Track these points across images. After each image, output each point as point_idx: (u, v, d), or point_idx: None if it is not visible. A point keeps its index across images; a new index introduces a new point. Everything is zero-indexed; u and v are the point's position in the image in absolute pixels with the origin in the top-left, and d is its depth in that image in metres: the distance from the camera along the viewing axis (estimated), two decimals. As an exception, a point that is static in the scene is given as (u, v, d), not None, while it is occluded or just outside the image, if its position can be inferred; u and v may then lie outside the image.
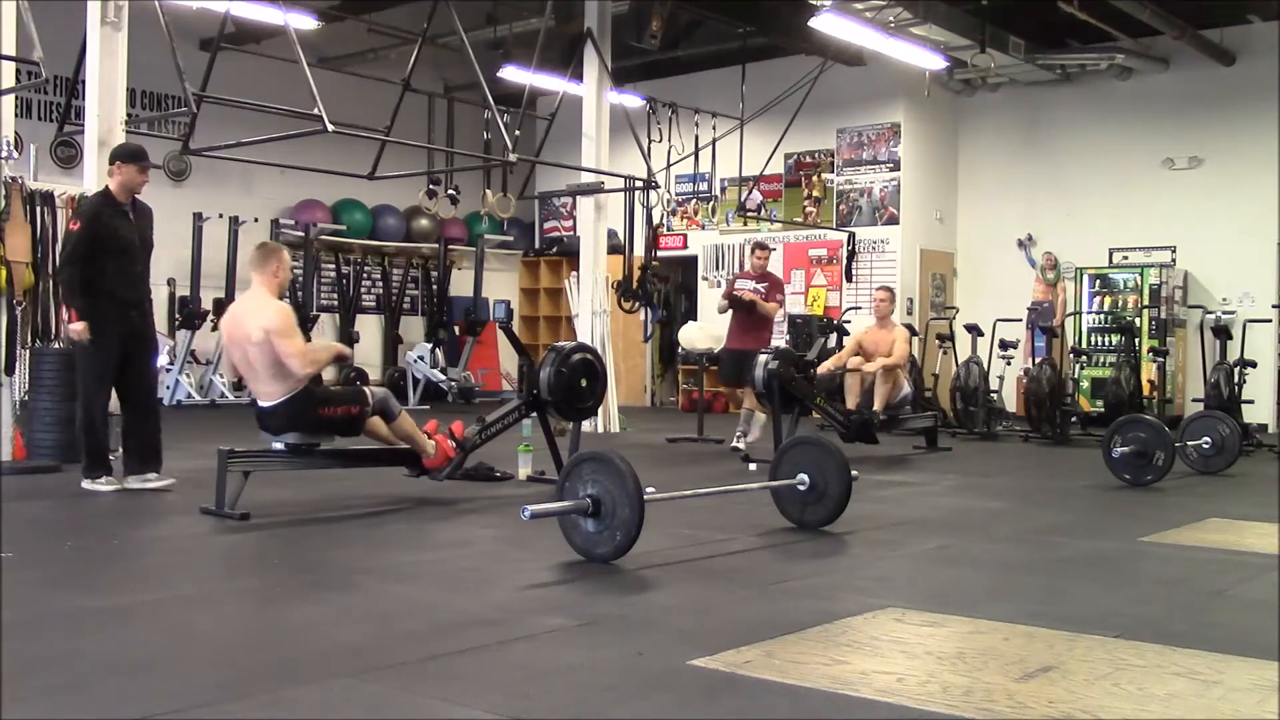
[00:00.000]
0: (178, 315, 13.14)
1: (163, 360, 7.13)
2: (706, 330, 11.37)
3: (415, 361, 14.31)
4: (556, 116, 11.27)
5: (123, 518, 5.63)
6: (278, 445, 5.83)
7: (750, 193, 14.47)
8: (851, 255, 14.46)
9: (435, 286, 15.85)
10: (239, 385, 13.63)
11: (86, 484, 6.22)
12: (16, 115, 7.79)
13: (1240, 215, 12.74)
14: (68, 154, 11.15)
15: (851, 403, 9.17)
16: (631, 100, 12.82)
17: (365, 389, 6.03)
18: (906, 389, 9.47)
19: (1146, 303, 12.87)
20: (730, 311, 9.82)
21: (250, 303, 5.81)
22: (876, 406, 9.04)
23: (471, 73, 9.62)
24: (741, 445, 9.14)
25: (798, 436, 6.35)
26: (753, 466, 7.29)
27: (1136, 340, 12.34)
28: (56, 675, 2.97)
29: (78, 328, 6.06)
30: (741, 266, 15.28)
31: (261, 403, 5.77)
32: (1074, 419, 11.21)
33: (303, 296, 14.08)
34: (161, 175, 12.57)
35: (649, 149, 11.84)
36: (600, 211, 11.56)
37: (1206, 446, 7.94)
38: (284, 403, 5.67)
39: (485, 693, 2.87)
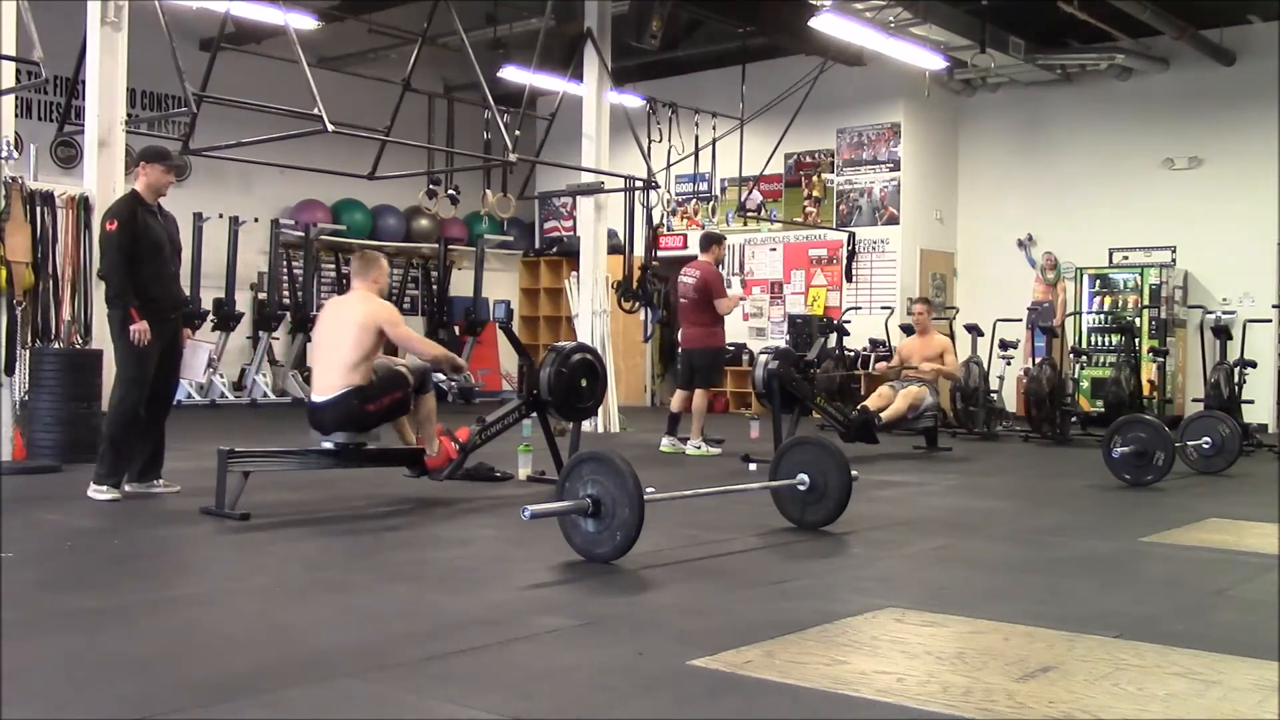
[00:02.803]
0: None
1: (199, 368, 7.03)
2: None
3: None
4: (556, 116, 11.26)
5: (123, 518, 5.62)
6: (327, 444, 5.99)
7: (750, 193, 14.47)
8: (851, 255, 14.46)
9: (435, 286, 15.85)
10: (239, 385, 13.66)
11: (93, 491, 5.97)
12: (16, 115, 7.79)
13: (1240, 215, 12.74)
14: (68, 154, 11.16)
15: (876, 405, 9.31)
16: (631, 100, 12.82)
17: (402, 369, 6.15)
18: (930, 398, 9.54)
19: (1146, 303, 12.87)
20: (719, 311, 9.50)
21: (356, 298, 6.12)
22: (889, 414, 9.14)
23: (471, 73, 9.62)
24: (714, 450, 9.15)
25: (798, 436, 6.35)
26: (753, 466, 7.29)
27: (1136, 340, 12.33)
28: (56, 675, 2.97)
29: (141, 327, 5.92)
30: (742, 267, 15.31)
31: (316, 398, 5.96)
32: (1074, 419, 11.21)
33: (303, 297, 14.09)
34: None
35: (649, 149, 11.85)
36: (600, 211, 11.56)
37: (1206, 446, 7.94)
38: (338, 398, 5.86)
39: (485, 693, 2.87)
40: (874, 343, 13.36)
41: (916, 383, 9.48)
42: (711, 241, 9.50)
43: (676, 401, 9.42)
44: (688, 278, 9.36)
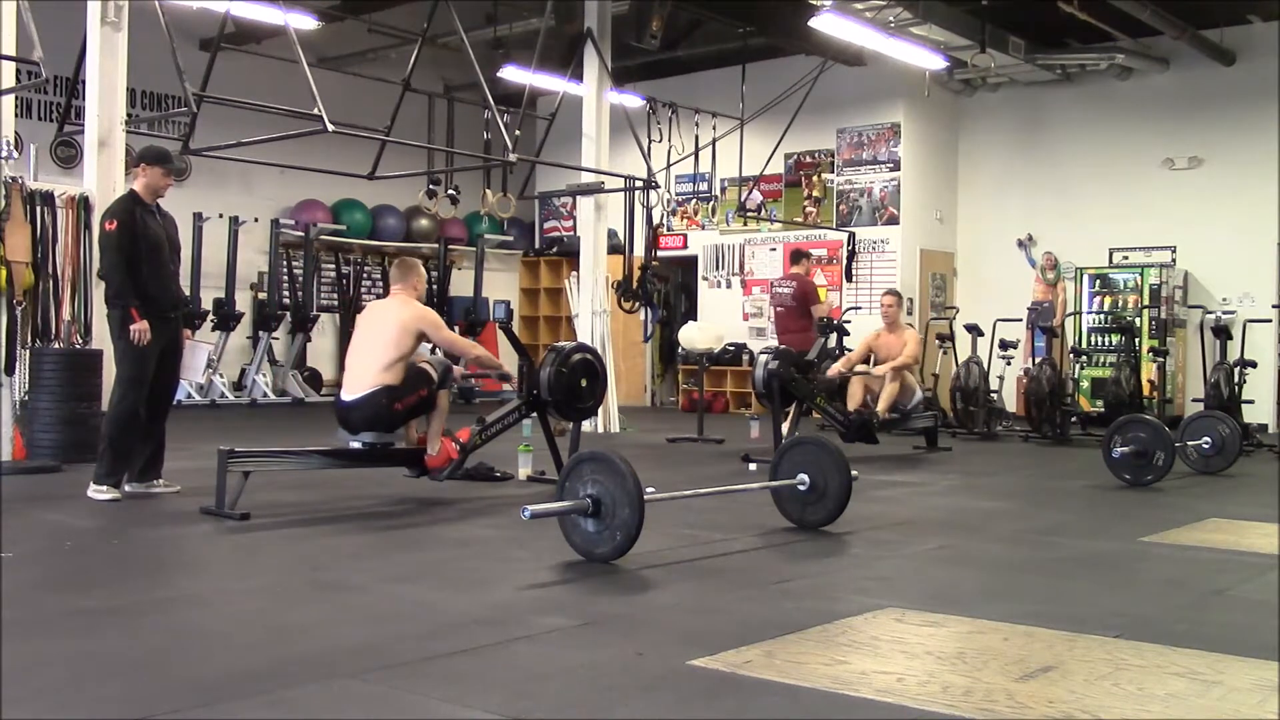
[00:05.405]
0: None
1: (198, 369, 7.10)
2: (706, 330, 11.36)
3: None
4: (556, 116, 11.27)
5: (123, 518, 5.62)
6: (355, 444, 6.10)
7: (750, 193, 14.47)
8: (851, 255, 14.46)
9: (435, 286, 15.84)
10: (239, 385, 13.66)
11: (93, 491, 5.97)
12: (16, 115, 7.80)
13: (1240, 215, 12.74)
14: (68, 154, 11.16)
15: (852, 405, 9.20)
16: (631, 100, 12.82)
17: (425, 367, 6.24)
18: (919, 393, 9.51)
19: (1146, 303, 12.86)
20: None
21: (399, 302, 6.36)
22: (881, 407, 9.09)
23: (471, 73, 9.62)
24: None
25: (798, 436, 6.35)
26: (753, 466, 7.29)
27: (1136, 340, 12.33)
28: (56, 675, 2.97)
29: (142, 327, 5.93)
30: (742, 267, 15.33)
31: (346, 396, 6.09)
32: (1074, 419, 11.21)
33: (303, 297, 14.09)
34: (161, 175, 12.56)
35: (649, 149, 11.84)
36: (600, 211, 11.56)
37: (1206, 446, 7.94)
38: (367, 396, 5.99)
39: (485, 693, 2.87)
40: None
41: (889, 374, 9.31)
42: (803, 256, 10.56)
43: None
44: (785, 288, 10.32)
